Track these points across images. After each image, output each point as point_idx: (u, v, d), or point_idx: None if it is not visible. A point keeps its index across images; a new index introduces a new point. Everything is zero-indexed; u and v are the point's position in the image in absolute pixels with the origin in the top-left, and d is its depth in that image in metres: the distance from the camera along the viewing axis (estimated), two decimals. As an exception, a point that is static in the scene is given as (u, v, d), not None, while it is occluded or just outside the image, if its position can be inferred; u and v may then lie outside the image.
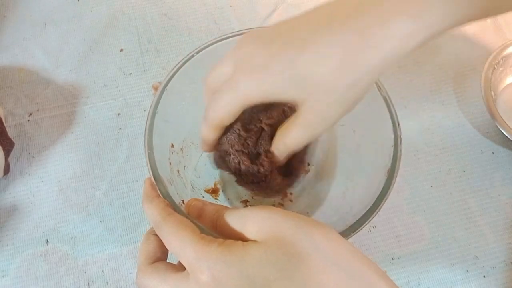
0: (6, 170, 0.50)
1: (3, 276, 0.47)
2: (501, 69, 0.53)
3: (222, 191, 0.48)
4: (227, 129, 0.37)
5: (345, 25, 0.29)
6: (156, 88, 0.56)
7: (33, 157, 0.53)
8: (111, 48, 0.59)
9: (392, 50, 0.29)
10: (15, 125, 0.54)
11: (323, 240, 0.28)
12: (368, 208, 0.35)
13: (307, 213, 0.45)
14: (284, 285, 0.26)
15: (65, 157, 0.53)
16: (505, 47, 0.53)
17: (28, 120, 0.54)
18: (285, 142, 0.35)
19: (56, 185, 0.51)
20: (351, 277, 0.27)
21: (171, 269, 0.30)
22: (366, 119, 0.41)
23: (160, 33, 0.60)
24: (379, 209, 0.35)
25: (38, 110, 0.55)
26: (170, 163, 0.42)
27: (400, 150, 0.37)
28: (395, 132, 0.38)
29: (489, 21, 0.59)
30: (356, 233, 0.34)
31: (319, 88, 0.31)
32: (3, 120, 0.51)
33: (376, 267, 0.28)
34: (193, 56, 0.41)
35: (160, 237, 0.31)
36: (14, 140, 0.52)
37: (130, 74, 0.57)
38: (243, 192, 0.47)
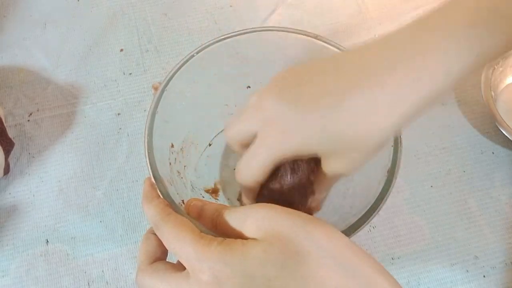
0: (6, 170, 0.50)
1: (3, 276, 0.47)
2: (501, 69, 0.53)
3: (222, 191, 0.48)
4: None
5: (373, 83, 0.29)
6: (156, 88, 0.56)
7: (33, 157, 0.53)
8: (111, 48, 0.59)
9: (416, 106, 0.29)
10: (15, 125, 0.54)
11: (324, 238, 0.28)
12: (368, 207, 0.35)
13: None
14: (285, 283, 0.26)
15: (65, 157, 0.53)
16: (505, 47, 0.53)
17: (28, 120, 0.54)
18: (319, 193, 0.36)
19: (56, 185, 0.51)
20: (352, 275, 0.27)
21: (171, 269, 0.30)
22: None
23: (160, 33, 0.60)
24: (379, 209, 0.35)
25: (38, 110, 0.55)
26: (170, 163, 0.42)
27: (400, 151, 0.37)
28: None
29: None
30: (356, 233, 0.34)
31: (350, 145, 0.31)
32: (3, 120, 0.51)
33: (378, 265, 0.28)
34: (193, 56, 0.41)
35: (160, 237, 0.31)
36: (14, 140, 0.52)
37: (130, 74, 0.57)
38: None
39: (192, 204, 0.34)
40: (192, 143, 0.46)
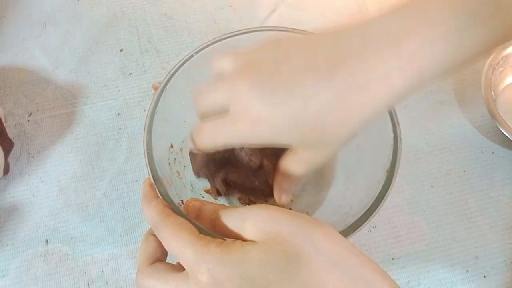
0: (6, 170, 0.50)
1: (3, 276, 0.47)
2: (501, 69, 0.53)
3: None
4: None
5: (346, 76, 0.29)
6: (156, 88, 0.56)
7: (33, 157, 0.53)
8: (111, 48, 0.59)
9: (385, 95, 0.29)
10: (15, 125, 0.54)
11: (323, 240, 0.27)
12: (368, 207, 0.35)
13: (307, 213, 0.44)
14: (284, 286, 0.26)
15: (65, 157, 0.53)
16: (505, 47, 0.53)
17: (28, 120, 0.54)
18: (286, 177, 0.36)
19: (56, 185, 0.51)
20: (352, 278, 0.26)
21: (171, 270, 0.30)
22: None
23: (160, 33, 0.60)
24: (379, 209, 0.35)
25: (38, 110, 0.55)
26: (170, 164, 0.42)
27: (400, 150, 0.37)
28: (394, 131, 0.38)
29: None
30: (356, 233, 0.34)
31: (320, 139, 0.31)
32: (3, 120, 0.51)
33: (377, 267, 0.28)
34: (192, 56, 0.40)
35: (159, 239, 0.31)
36: (14, 140, 0.52)
37: (130, 74, 0.57)
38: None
39: (191, 204, 0.34)
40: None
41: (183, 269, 0.29)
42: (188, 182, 0.45)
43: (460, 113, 0.55)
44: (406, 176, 0.51)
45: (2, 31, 0.60)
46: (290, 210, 0.29)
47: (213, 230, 0.31)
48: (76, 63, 0.58)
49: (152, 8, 0.62)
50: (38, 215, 0.50)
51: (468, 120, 0.54)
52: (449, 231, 0.49)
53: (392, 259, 0.48)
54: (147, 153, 0.37)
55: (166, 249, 0.30)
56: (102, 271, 0.48)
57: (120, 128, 0.54)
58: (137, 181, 0.52)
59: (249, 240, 0.28)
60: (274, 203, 0.42)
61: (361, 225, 0.34)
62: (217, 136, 0.33)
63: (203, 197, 0.46)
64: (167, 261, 0.32)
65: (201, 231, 0.29)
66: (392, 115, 0.38)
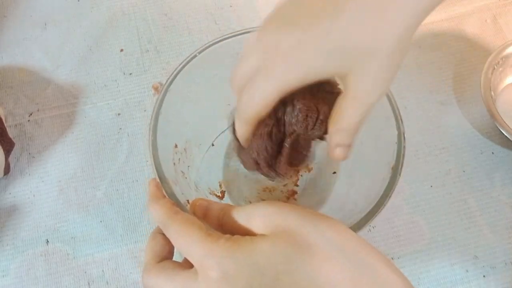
0: (7, 170, 0.50)
1: (3, 276, 0.47)
2: (500, 69, 0.53)
3: (227, 191, 0.48)
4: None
5: None
6: (156, 88, 0.56)
7: (33, 157, 0.53)
8: (111, 48, 0.59)
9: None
10: (15, 125, 0.54)
11: (331, 231, 0.28)
12: (373, 205, 0.35)
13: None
14: (294, 276, 0.26)
15: (65, 157, 0.53)
16: (505, 47, 0.53)
17: (28, 120, 0.54)
18: (344, 126, 0.31)
19: (56, 185, 0.51)
20: (359, 267, 0.27)
21: (178, 268, 0.30)
22: (369, 117, 0.41)
23: (160, 33, 0.60)
24: (384, 206, 0.35)
25: (38, 110, 0.55)
26: (174, 164, 0.42)
27: (404, 147, 0.37)
28: (398, 128, 0.38)
29: (489, 21, 0.60)
30: (361, 230, 0.34)
31: (361, 55, 0.28)
32: (3, 120, 0.51)
33: (384, 258, 0.28)
34: (195, 56, 0.41)
35: (167, 236, 0.30)
36: (14, 140, 0.52)
37: (130, 74, 0.57)
38: (248, 193, 0.48)
39: (197, 204, 0.34)
40: (195, 143, 0.46)
41: (191, 267, 0.29)
42: (192, 182, 0.45)
43: (460, 113, 0.55)
44: (406, 176, 0.51)
45: (2, 31, 0.60)
46: (297, 205, 0.30)
47: (220, 229, 0.31)
48: (76, 63, 0.58)
49: (152, 8, 0.62)
50: (38, 215, 0.50)
51: (468, 120, 0.54)
52: (449, 231, 0.49)
53: (392, 258, 0.48)
54: (153, 153, 0.37)
55: (175, 246, 0.30)
56: (103, 270, 0.48)
57: (120, 128, 0.54)
58: (137, 181, 0.52)
59: (258, 234, 0.28)
60: None
61: (366, 222, 0.34)
62: (255, 95, 0.31)
63: (207, 197, 0.47)
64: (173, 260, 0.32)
65: (208, 230, 0.29)
66: (395, 112, 0.39)
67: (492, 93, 0.52)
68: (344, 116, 0.31)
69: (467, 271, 0.48)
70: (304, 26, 0.28)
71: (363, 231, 0.35)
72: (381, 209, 0.35)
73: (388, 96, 0.39)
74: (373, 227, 0.49)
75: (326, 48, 0.28)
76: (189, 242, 0.28)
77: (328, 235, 0.27)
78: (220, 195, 0.48)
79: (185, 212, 0.31)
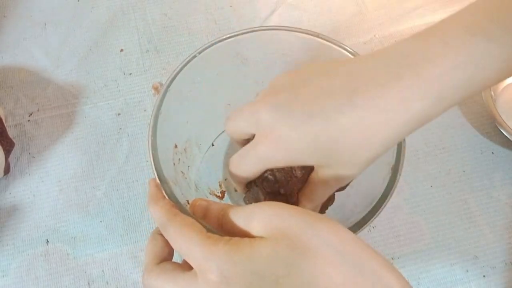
0: (7, 170, 0.50)
1: (3, 276, 0.47)
2: (501, 69, 0.53)
3: (227, 191, 0.48)
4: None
5: (366, 101, 0.30)
6: (156, 88, 0.56)
7: (33, 157, 0.53)
8: (111, 48, 0.59)
9: (405, 120, 0.30)
10: (15, 125, 0.54)
11: (331, 235, 0.28)
12: (373, 205, 0.35)
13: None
14: (293, 281, 0.26)
15: (65, 157, 0.53)
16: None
17: (28, 120, 0.54)
18: (312, 199, 0.36)
19: (56, 185, 0.51)
20: (360, 271, 0.27)
21: (178, 269, 0.30)
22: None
23: (160, 33, 0.60)
24: (384, 206, 0.35)
25: (38, 110, 0.55)
26: (174, 164, 0.42)
27: (404, 147, 0.37)
28: None
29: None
30: (361, 231, 0.34)
31: (341, 159, 0.32)
32: (3, 120, 0.51)
33: (385, 261, 0.28)
34: (195, 56, 0.41)
35: (167, 238, 0.30)
36: (14, 140, 0.52)
37: (130, 74, 0.57)
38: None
39: (197, 204, 0.34)
40: (195, 143, 0.46)
41: (191, 268, 0.29)
42: (192, 182, 0.45)
43: (460, 113, 0.55)
44: (405, 176, 0.51)
45: (2, 31, 0.60)
46: (297, 207, 0.29)
47: (220, 230, 0.31)
48: (76, 63, 0.58)
49: (152, 8, 0.62)
50: (38, 215, 0.50)
51: (468, 120, 0.54)
52: (449, 231, 0.49)
53: (392, 259, 0.48)
54: (152, 153, 0.37)
55: (174, 248, 0.30)
56: (103, 270, 0.48)
57: (120, 128, 0.54)
58: (137, 181, 0.52)
59: (257, 237, 0.28)
60: None
61: (366, 223, 0.34)
62: (242, 163, 0.35)
63: (207, 197, 0.47)
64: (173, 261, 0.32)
65: (208, 230, 0.29)
66: None
67: (492, 93, 0.52)
68: (313, 193, 0.35)
69: (467, 271, 0.48)
70: (298, 118, 0.31)
71: (363, 231, 0.35)
72: (381, 209, 0.35)
73: None
74: (373, 227, 0.49)
75: (312, 147, 0.31)
76: (188, 245, 0.28)
77: (328, 239, 0.27)
78: (220, 195, 0.48)
79: (185, 214, 0.31)
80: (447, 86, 0.29)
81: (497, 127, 0.50)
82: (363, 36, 0.60)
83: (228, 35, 0.41)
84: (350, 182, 0.36)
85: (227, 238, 0.28)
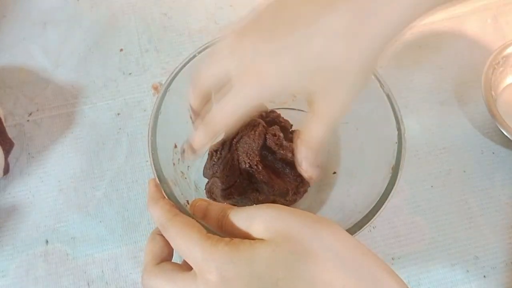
0: (6, 170, 0.50)
1: (3, 276, 0.47)
2: (501, 69, 0.53)
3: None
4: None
5: (348, 3, 0.28)
6: (155, 88, 0.56)
7: (33, 157, 0.53)
8: (111, 48, 0.59)
9: (393, 18, 0.28)
10: (15, 125, 0.54)
11: (331, 238, 0.28)
12: (373, 205, 0.35)
13: (312, 211, 0.45)
14: (293, 284, 0.26)
15: (64, 157, 0.53)
16: (505, 47, 0.53)
17: (28, 120, 0.54)
18: (308, 140, 0.34)
19: (56, 185, 0.51)
20: (360, 275, 0.27)
21: (177, 269, 0.30)
22: (369, 117, 0.42)
23: (160, 33, 0.60)
24: (385, 205, 0.35)
25: (37, 110, 0.55)
26: (174, 164, 0.42)
27: (404, 147, 0.37)
28: (398, 128, 0.38)
29: (489, 21, 0.59)
30: (362, 230, 0.34)
31: (330, 76, 0.30)
32: (3, 120, 0.51)
33: (385, 265, 0.28)
34: (195, 56, 0.41)
35: (167, 238, 0.30)
36: (13, 140, 0.52)
37: (130, 74, 0.57)
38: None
39: (197, 204, 0.33)
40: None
41: (190, 269, 0.29)
42: (192, 182, 0.45)
43: (460, 113, 0.55)
44: (406, 176, 0.51)
45: (2, 31, 0.60)
46: (297, 209, 0.29)
47: (220, 230, 0.31)
48: (76, 63, 0.58)
49: (152, 8, 0.62)
50: (38, 215, 0.50)
51: (468, 120, 0.54)
52: (449, 231, 0.49)
53: (392, 259, 0.48)
54: (152, 153, 0.37)
55: (174, 248, 0.30)
56: (102, 271, 0.48)
57: (120, 128, 0.54)
58: (137, 181, 0.51)
59: (258, 239, 0.28)
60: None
61: (367, 222, 0.34)
62: (227, 109, 0.32)
63: (207, 198, 0.46)
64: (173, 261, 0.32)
65: (208, 230, 0.29)
66: (395, 112, 0.39)
67: (493, 93, 0.52)
68: (308, 131, 0.33)
69: (467, 271, 0.47)
70: (279, 41, 0.29)
71: (364, 232, 0.35)
72: (382, 210, 0.35)
73: (388, 96, 0.39)
74: (373, 228, 0.49)
75: (298, 69, 0.30)
76: (188, 245, 0.28)
77: (329, 242, 0.27)
78: None
79: (184, 214, 0.31)
80: None
81: (497, 127, 0.50)
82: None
83: None
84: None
85: (227, 239, 0.28)
